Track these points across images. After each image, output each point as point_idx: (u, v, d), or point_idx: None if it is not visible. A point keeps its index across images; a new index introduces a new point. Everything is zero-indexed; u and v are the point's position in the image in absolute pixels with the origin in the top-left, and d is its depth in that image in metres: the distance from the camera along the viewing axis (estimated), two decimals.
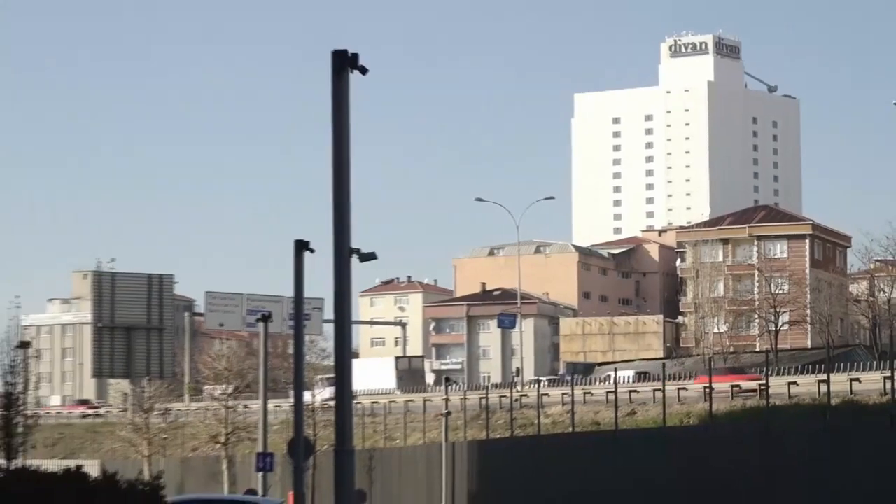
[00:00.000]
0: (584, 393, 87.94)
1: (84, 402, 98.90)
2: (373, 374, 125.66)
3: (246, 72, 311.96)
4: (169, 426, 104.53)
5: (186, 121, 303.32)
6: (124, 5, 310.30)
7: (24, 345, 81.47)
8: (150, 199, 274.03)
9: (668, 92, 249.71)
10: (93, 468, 26.42)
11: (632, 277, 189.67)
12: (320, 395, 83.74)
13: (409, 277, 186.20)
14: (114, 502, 20.94)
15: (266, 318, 68.91)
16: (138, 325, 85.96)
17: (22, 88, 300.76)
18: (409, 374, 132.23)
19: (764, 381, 71.86)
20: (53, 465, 27.53)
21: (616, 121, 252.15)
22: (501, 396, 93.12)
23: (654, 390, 78.62)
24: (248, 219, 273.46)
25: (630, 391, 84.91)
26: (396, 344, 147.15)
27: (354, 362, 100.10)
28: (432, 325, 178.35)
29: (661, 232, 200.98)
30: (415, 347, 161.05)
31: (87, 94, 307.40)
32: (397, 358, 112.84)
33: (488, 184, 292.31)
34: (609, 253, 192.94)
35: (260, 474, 62.04)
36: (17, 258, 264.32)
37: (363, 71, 31.42)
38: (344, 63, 31.19)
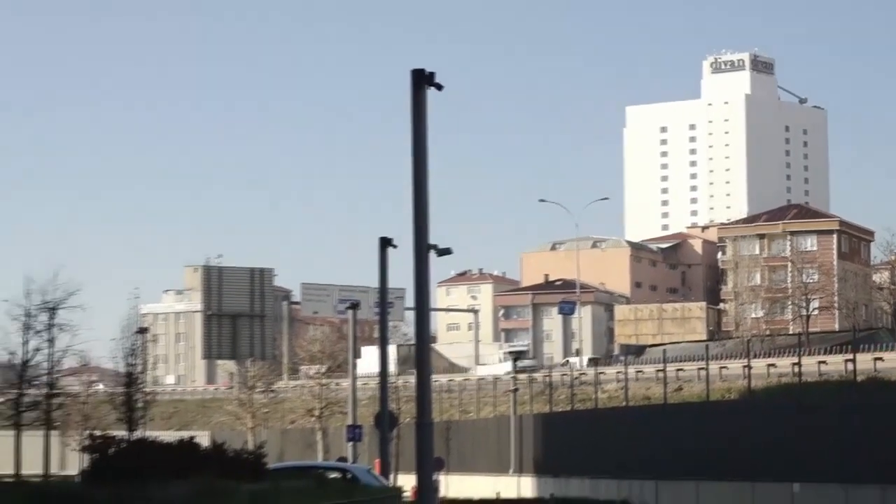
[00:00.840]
0: (637, 371, 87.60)
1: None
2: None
3: (339, 82, 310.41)
4: (270, 402, 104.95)
5: (286, 128, 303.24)
6: (228, 17, 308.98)
7: (143, 331, 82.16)
8: (254, 200, 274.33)
9: (710, 104, 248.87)
10: (203, 439, 26.59)
11: (678, 269, 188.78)
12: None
13: (481, 270, 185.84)
14: (222, 469, 21.04)
15: (355, 307, 69.08)
16: (243, 313, 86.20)
17: (135, 94, 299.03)
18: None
19: (797, 361, 71.62)
20: (169, 436, 27.71)
21: (663, 130, 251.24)
22: (563, 374, 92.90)
23: (699, 369, 78.31)
24: (339, 218, 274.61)
25: (677, 370, 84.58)
26: (469, 328, 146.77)
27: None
28: (501, 311, 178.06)
29: (703, 228, 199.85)
30: (486, 332, 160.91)
31: (200, 103, 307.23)
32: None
33: (550, 185, 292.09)
34: (658, 247, 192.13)
35: (350, 444, 62.19)
36: (137, 254, 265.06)
37: (439, 87, 31.44)
38: (421, 80, 31.21)
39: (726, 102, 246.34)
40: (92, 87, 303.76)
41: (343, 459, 54.99)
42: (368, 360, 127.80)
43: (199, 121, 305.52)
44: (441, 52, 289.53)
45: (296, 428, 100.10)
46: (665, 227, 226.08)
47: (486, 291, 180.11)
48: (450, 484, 70.27)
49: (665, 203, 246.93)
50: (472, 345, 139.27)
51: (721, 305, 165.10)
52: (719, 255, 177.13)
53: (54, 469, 69.20)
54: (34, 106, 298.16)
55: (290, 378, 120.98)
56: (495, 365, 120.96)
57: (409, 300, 39.57)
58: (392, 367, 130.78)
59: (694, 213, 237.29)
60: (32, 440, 69.75)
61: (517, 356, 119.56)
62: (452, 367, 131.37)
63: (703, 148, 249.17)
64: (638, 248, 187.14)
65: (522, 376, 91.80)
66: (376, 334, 61.61)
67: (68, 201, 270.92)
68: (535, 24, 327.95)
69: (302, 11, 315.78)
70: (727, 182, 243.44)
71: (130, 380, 70.36)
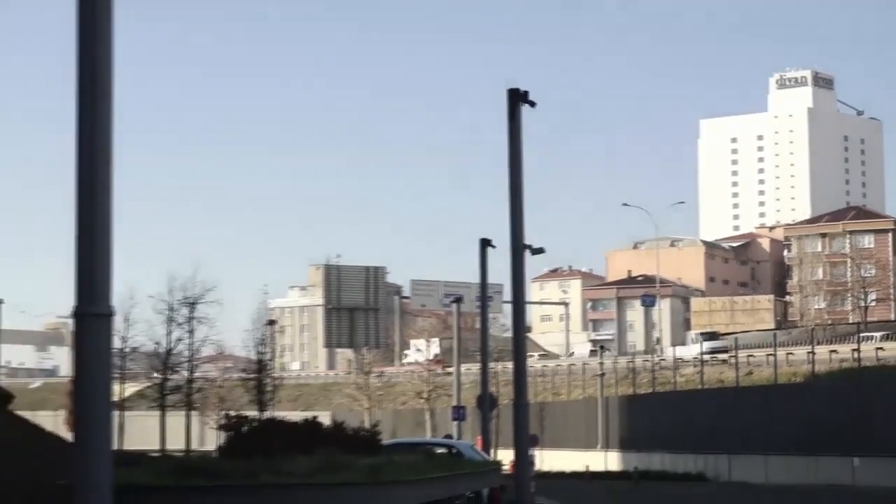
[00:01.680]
0: (711, 357, 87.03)
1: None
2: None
3: (442, 94, 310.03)
4: (383, 385, 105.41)
5: (396, 142, 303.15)
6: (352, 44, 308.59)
7: (271, 323, 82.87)
8: (369, 205, 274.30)
9: (776, 117, 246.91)
10: (325, 418, 26.71)
11: (748, 265, 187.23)
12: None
13: (571, 267, 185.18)
14: (342, 445, 21.13)
15: (458, 301, 69.16)
16: (359, 307, 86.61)
17: (257, 103, 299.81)
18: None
19: (856, 347, 70.97)
20: (295, 415, 27.90)
21: (733, 140, 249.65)
22: (645, 360, 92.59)
23: (767, 355, 77.70)
24: (444, 220, 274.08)
25: (748, 356, 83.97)
26: (560, 319, 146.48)
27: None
28: (589, 304, 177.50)
29: (771, 228, 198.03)
30: (575, 323, 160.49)
31: (315, 115, 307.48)
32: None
33: (633, 190, 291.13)
34: (729, 245, 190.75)
35: (455, 423, 62.31)
36: (266, 254, 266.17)
37: (532, 104, 31.45)
38: (517, 98, 31.24)
39: (790, 115, 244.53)
40: (218, 90, 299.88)
41: (449, 437, 54.98)
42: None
43: (321, 134, 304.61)
44: (534, 68, 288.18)
45: (406, 409, 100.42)
46: (736, 228, 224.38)
47: (575, 286, 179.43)
48: (544, 458, 70.23)
49: (736, 206, 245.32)
50: (563, 334, 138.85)
51: (787, 298, 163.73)
52: (785, 252, 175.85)
53: (194, 445, 69.85)
54: (173, 108, 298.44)
55: (401, 364, 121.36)
56: (583, 352, 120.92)
57: (507, 294, 39.55)
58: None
59: (762, 214, 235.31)
60: (175, 420, 70.46)
61: (601, 345, 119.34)
62: (545, 355, 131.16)
63: (770, 156, 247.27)
64: (711, 247, 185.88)
65: (608, 363, 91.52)
66: (478, 325, 61.60)
67: (205, 205, 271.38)
68: (618, 46, 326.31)
69: (415, 27, 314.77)
70: (792, 186, 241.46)
71: (260, 366, 70.91)
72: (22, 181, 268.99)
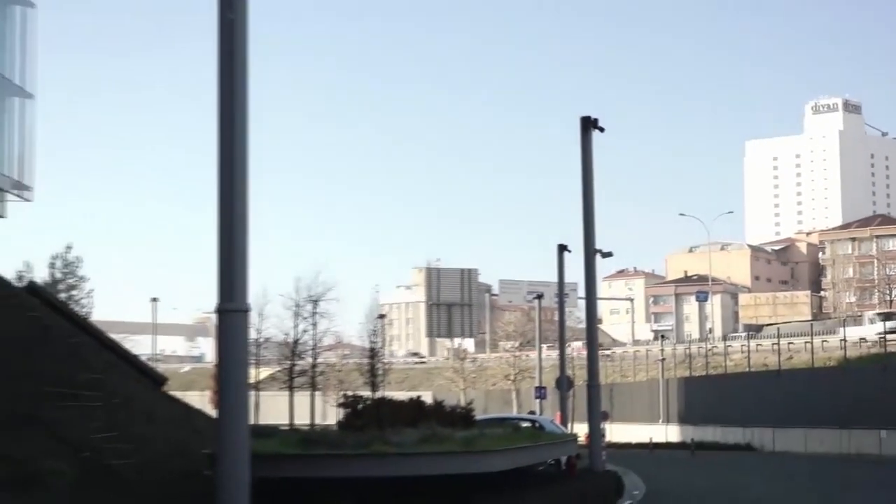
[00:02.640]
0: (757, 344, 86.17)
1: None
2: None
3: (522, 115, 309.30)
4: (476, 369, 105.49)
5: (487, 160, 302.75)
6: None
7: (381, 316, 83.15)
8: (465, 213, 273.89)
9: (811, 138, 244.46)
10: (427, 397, 26.83)
11: (787, 265, 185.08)
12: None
13: (635, 267, 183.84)
14: (441, 420, 21.18)
15: (539, 297, 69.19)
16: (455, 303, 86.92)
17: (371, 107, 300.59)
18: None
19: (883, 335, 70.19)
20: (401, 395, 28.02)
21: (774, 158, 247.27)
22: (699, 347, 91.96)
23: (805, 342, 77.02)
24: (527, 227, 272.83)
25: (788, 343, 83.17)
26: (626, 313, 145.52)
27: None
28: (651, 299, 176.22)
29: (808, 234, 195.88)
30: (639, 315, 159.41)
31: (422, 140, 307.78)
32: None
33: (688, 201, 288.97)
34: (771, 249, 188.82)
35: (537, 401, 62.31)
36: (376, 257, 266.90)
37: (601, 130, 31.39)
38: (588, 125, 31.21)
39: (824, 137, 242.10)
40: (340, 108, 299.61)
41: (532, 413, 54.98)
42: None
43: (421, 154, 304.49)
44: (603, 94, 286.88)
45: (496, 389, 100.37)
46: (777, 233, 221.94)
47: (639, 284, 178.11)
48: (613, 431, 69.94)
49: (777, 214, 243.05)
50: (629, 325, 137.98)
51: (822, 293, 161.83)
52: (820, 254, 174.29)
53: (318, 420, 70.22)
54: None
55: (491, 351, 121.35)
56: (650, 341, 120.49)
57: (581, 291, 39.36)
58: (470, 347, 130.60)
59: (800, 221, 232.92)
60: (302, 399, 70.89)
61: (662, 334, 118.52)
62: (613, 343, 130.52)
63: (806, 171, 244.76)
64: (756, 250, 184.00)
65: (668, 349, 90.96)
66: (556, 318, 61.49)
67: (327, 215, 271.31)
68: (673, 74, 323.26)
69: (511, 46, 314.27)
70: (825, 198, 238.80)
71: (373, 353, 71.08)
72: (178, 191, 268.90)
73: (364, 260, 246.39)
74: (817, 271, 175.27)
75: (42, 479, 17.44)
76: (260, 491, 12.57)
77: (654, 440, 66.87)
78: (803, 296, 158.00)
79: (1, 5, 48.71)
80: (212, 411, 19.29)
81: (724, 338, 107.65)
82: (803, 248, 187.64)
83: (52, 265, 60.87)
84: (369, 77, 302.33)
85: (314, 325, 70.51)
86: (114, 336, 38.67)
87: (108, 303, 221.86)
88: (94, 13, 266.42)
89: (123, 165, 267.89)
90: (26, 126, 50.93)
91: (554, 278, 49.04)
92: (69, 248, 62.20)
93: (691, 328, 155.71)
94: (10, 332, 25.39)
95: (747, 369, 74.47)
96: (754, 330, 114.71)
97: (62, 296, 53.43)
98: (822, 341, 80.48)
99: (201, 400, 53.02)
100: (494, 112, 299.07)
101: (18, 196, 50.26)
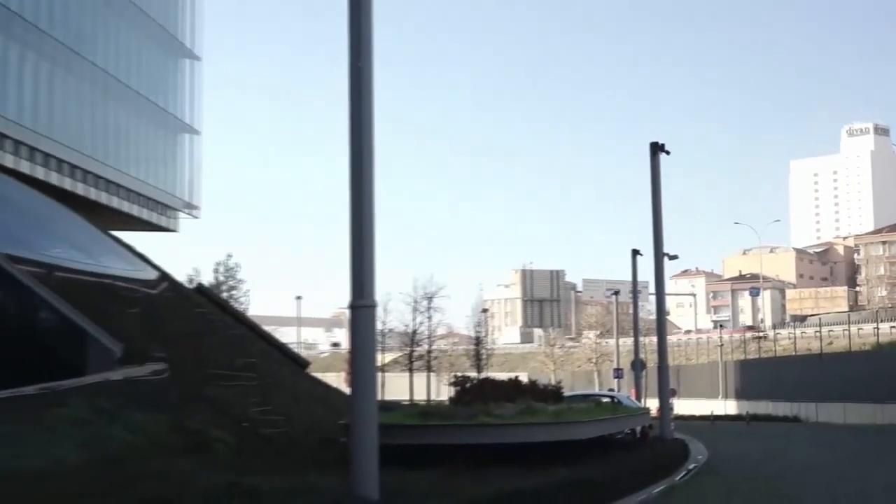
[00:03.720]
0: (801, 332, 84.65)
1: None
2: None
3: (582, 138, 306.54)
4: (564, 353, 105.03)
5: (576, 173, 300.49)
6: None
7: (484, 310, 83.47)
8: (553, 220, 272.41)
9: (846, 157, 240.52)
10: (523, 377, 26.82)
11: (827, 265, 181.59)
12: None
13: (697, 267, 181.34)
14: (535, 396, 21.12)
15: (616, 294, 68.75)
16: (546, 299, 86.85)
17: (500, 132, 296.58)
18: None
19: None
20: (502, 376, 28.01)
21: (815, 175, 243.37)
22: (753, 336, 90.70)
23: (843, 330, 75.79)
24: (606, 232, 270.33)
25: (829, 331, 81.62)
26: (690, 306, 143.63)
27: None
28: (711, 295, 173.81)
29: (844, 238, 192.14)
30: (700, 308, 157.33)
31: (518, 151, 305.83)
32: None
33: (741, 211, 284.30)
34: (813, 251, 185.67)
35: (616, 380, 61.97)
36: (480, 261, 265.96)
37: (667, 153, 31.10)
38: (656, 149, 30.96)
39: (857, 156, 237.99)
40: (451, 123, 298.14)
41: (611, 390, 54.51)
42: (509, 335, 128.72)
43: (513, 167, 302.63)
44: (668, 119, 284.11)
45: (580, 370, 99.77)
46: (818, 238, 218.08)
47: (700, 282, 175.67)
48: (679, 406, 69.14)
49: (817, 221, 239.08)
50: (692, 317, 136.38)
51: (857, 288, 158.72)
52: (855, 255, 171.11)
53: (433, 397, 70.48)
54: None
55: (577, 338, 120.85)
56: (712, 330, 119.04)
57: (651, 288, 39.00)
58: (518, 338, 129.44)
59: (837, 228, 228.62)
60: (419, 379, 71.22)
61: (720, 324, 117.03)
62: (680, 331, 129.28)
63: (843, 185, 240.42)
64: (800, 252, 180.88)
65: (726, 337, 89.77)
66: (631, 311, 60.99)
67: (441, 221, 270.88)
68: (728, 100, 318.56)
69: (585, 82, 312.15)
70: (859, 207, 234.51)
71: (478, 341, 71.45)
72: (318, 208, 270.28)
73: (470, 263, 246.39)
74: (853, 270, 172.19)
75: (210, 446, 17.71)
76: (385, 455, 12.62)
77: (715, 413, 66.02)
78: (841, 291, 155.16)
79: (174, 59, 49.74)
80: (346, 389, 19.42)
81: (774, 327, 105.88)
82: (840, 250, 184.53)
83: (216, 270, 61.95)
84: (479, 102, 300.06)
85: (429, 318, 70.93)
86: (266, 328, 39.19)
87: (261, 300, 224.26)
88: (247, 62, 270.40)
89: (274, 186, 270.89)
90: (194, 157, 51.96)
91: (629, 277, 48.66)
92: (229, 256, 63.28)
93: (745, 319, 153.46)
94: (184, 326, 25.86)
95: (793, 353, 73.42)
96: (799, 320, 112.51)
97: (224, 295, 54.29)
98: (858, 329, 79.04)
99: (337, 380, 53.46)
100: (584, 139, 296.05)
101: (188, 214, 51.25)
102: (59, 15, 39.57)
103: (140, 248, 35.53)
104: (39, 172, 37.46)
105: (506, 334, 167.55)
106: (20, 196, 29.43)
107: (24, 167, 36.44)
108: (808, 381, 62.24)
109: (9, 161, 35.38)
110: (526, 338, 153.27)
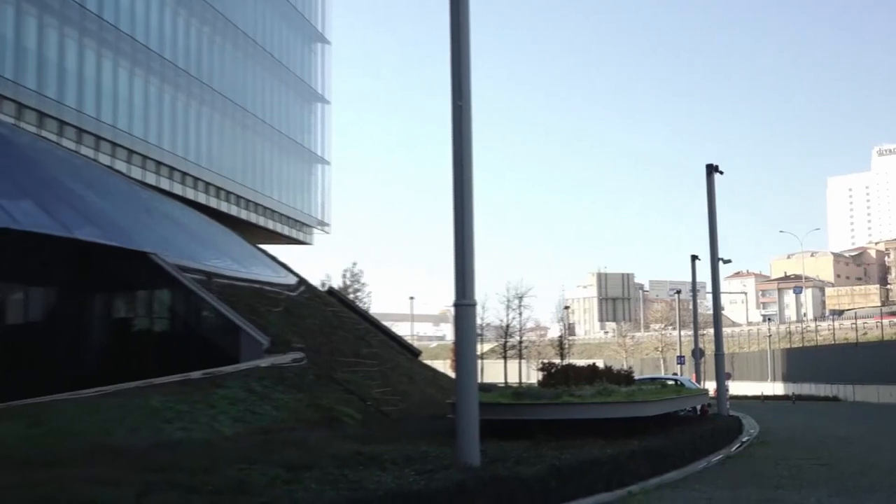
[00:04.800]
0: (839, 324, 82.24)
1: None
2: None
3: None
4: (634, 343, 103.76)
5: (633, 190, 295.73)
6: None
7: (566, 307, 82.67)
8: (625, 230, 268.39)
9: (877, 174, 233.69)
10: (600, 363, 26.58)
11: (861, 266, 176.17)
12: None
13: (747, 269, 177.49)
14: (610, 379, 20.93)
15: (678, 293, 67.73)
16: (618, 297, 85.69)
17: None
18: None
19: None
20: (582, 362, 27.80)
21: (850, 189, 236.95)
22: (796, 326, 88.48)
23: (876, 322, 73.53)
24: (669, 240, 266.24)
25: (864, 323, 79.18)
26: (742, 303, 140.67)
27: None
28: (760, 292, 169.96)
29: (876, 243, 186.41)
30: (751, 304, 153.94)
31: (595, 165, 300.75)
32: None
33: (785, 220, 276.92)
34: (849, 254, 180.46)
35: (678, 366, 61.00)
36: (561, 266, 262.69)
37: (721, 173, 30.57)
38: (711, 170, 30.45)
39: (887, 172, 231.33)
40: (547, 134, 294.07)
41: (675, 374, 53.71)
42: (587, 328, 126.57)
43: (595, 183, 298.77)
44: (722, 138, 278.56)
45: (648, 357, 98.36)
46: (853, 243, 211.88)
47: (750, 282, 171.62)
48: (733, 387, 67.81)
49: (852, 229, 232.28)
50: (744, 311, 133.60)
51: (888, 286, 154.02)
52: (886, 258, 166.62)
53: (524, 380, 70.19)
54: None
55: (645, 330, 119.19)
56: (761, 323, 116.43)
57: (708, 287, 38.30)
58: (595, 330, 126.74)
59: (870, 234, 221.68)
60: (512, 365, 71.01)
61: (768, 318, 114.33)
62: (733, 324, 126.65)
63: (874, 198, 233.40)
64: (837, 256, 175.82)
65: (773, 328, 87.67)
66: (691, 307, 59.95)
67: (529, 231, 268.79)
68: (773, 125, 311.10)
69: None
70: (889, 217, 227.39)
71: (561, 333, 70.89)
72: (427, 222, 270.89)
73: (553, 267, 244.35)
74: (884, 270, 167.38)
75: (340, 420, 17.90)
76: (484, 429, 12.61)
77: (764, 394, 64.61)
78: (874, 289, 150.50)
79: (309, 103, 50.57)
80: (451, 374, 19.46)
81: (815, 320, 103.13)
82: (873, 253, 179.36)
83: (343, 275, 62.65)
84: (565, 123, 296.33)
85: (520, 314, 70.54)
86: (385, 323, 39.49)
87: (380, 300, 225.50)
88: (368, 102, 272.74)
89: (391, 206, 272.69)
90: (325, 183, 52.74)
91: (689, 278, 47.91)
92: (354, 263, 64.10)
93: (790, 313, 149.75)
94: (318, 321, 26.17)
95: (832, 342, 71.42)
96: (837, 314, 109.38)
97: (350, 296, 54.83)
98: (889, 322, 76.59)
99: (444, 366, 53.69)
100: (643, 158, 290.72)
101: (321, 230, 52.05)
102: (218, 70, 40.56)
103: (282, 258, 36.14)
104: (201, 198, 38.50)
105: (584, 327, 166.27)
106: (187, 218, 30.16)
107: (190, 194, 37.48)
108: (846, 366, 60.55)
109: (177, 189, 36.44)
110: (601, 330, 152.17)
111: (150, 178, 34.77)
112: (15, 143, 23.73)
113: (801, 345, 77.29)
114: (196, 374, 17.91)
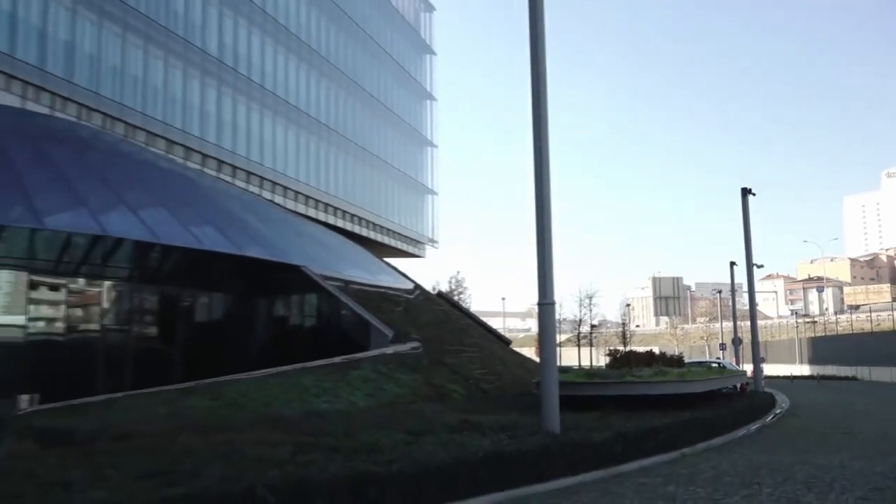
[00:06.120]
0: (856, 317, 78.56)
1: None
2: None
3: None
4: (683, 333, 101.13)
5: (667, 206, 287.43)
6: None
7: (628, 305, 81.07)
8: (674, 241, 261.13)
9: (886, 194, 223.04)
10: (655, 350, 25.99)
11: (874, 269, 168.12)
12: None
13: (777, 272, 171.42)
14: (665, 362, 20.42)
15: (720, 292, 65.70)
16: (670, 297, 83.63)
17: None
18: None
19: None
20: (641, 348, 27.18)
21: (862, 206, 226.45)
22: (820, 318, 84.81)
23: (888, 315, 69.90)
24: (712, 248, 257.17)
25: (877, 315, 75.44)
26: (773, 300, 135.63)
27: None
28: (788, 291, 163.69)
29: (887, 250, 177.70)
30: (781, 301, 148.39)
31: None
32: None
33: (809, 230, 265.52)
34: (864, 259, 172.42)
35: (721, 351, 59.15)
36: (624, 269, 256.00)
37: (753, 195, 29.57)
38: (745, 192, 29.49)
39: (894, 192, 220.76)
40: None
41: (718, 358, 52.12)
42: (645, 321, 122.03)
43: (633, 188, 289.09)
44: (760, 160, 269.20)
45: (695, 345, 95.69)
46: (866, 249, 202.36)
47: (780, 283, 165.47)
48: (767, 369, 65.39)
49: (866, 238, 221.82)
50: (775, 307, 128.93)
51: None
52: (895, 262, 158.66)
53: (594, 363, 69.19)
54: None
55: (691, 323, 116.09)
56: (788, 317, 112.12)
57: (745, 287, 37.06)
58: (652, 323, 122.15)
59: (881, 242, 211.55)
60: (584, 351, 70.01)
61: (795, 312, 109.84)
62: (765, 317, 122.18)
63: (885, 214, 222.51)
64: (853, 260, 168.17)
65: (800, 320, 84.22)
66: (730, 304, 58.13)
67: (594, 241, 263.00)
68: (793, 147, 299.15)
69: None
70: None
71: (624, 325, 69.65)
72: (517, 233, 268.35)
73: (618, 272, 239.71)
74: (894, 272, 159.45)
75: (448, 395, 17.91)
76: (563, 403, 12.45)
77: (793, 374, 62.09)
78: (886, 287, 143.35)
79: (420, 147, 51.04)
80: (536, 359, 19.27)
81: (835, 313, 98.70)
82: (884, 258, 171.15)
83: (449, 281, 63.02)
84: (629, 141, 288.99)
85: (590, 310, 69.78)
86: (482, 318, 39.46)
87: (479, 300, 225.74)
88: (466, 144, 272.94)
89: (488, 223, 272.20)
90: (434, 209, 53.08)
91: (729, 280, 46.54)
92: (458, 272, 64.74)
93: (814, 308, 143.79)
94: (431, 318, 26.29)
95: (851, 332, 68.28)
96: (854, 308, 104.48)
97: (455, 298, 55.00)
98: None
99: (530, 353, 53.25)
100: (680, 177, 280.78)
101: (431, 245, 52.40)
102: (351, 123, 41.41)
103: (401, 269, 36.50)
104: (339, 222, 39.35)
105: (643, 321, 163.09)
106: (328, 238, 30.73)
107: (330, 219, 38.37)
108: (863, 351, 57.79)
109: (321, 216, 37.34)
110: (656, 323, 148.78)
111: (300, 208, 35.84)
112: (199, 184, 24.65)
113: (823, 334, 74.17)
114: (337, 359, 18.19)
